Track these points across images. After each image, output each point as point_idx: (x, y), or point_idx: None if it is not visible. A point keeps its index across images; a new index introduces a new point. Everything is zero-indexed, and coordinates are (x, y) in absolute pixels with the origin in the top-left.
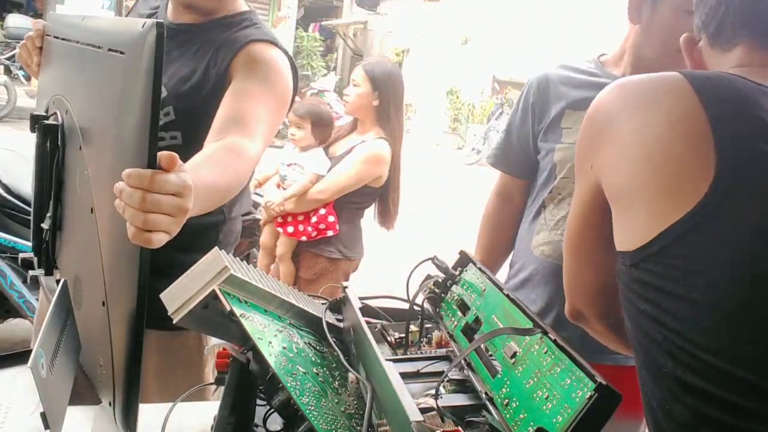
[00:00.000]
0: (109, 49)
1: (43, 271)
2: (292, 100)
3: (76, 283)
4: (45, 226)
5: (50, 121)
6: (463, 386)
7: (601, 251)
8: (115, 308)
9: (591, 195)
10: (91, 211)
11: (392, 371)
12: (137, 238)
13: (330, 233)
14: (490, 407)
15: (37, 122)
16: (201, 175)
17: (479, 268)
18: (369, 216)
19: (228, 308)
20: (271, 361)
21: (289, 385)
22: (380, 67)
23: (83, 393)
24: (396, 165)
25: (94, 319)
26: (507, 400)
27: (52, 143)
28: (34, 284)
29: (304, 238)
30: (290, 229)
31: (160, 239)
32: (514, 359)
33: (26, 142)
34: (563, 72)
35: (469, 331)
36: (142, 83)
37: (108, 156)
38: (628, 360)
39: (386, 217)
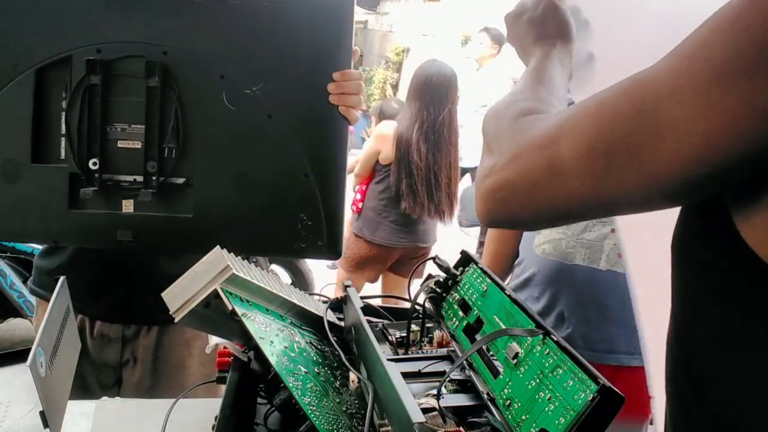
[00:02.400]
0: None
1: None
2: None
3: (241, 177)
4: (172, 144)
5: (151, 59)
6: (464, 386)
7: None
8: (321, 175)
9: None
10: (269, 117)
11: (394, 371)
12: (350, 115)
13: (353, 208)
14: (492, 408)
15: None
16: None
17: (481, 268)
18: None
19: (230, 308)
20: (273, 360)
21: (291, 385)
22: (421, 65)
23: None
24: (400, 146)
25: (288, 190)
26: (509, 401)
27: (162, 78)
28: None
29: None
30: None
31: (357, 116)
32: (516, 360)
33: None
34: None
35: (471, 331)
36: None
37: (295, 76)
38: (630, 360)
39: (407, 202)
